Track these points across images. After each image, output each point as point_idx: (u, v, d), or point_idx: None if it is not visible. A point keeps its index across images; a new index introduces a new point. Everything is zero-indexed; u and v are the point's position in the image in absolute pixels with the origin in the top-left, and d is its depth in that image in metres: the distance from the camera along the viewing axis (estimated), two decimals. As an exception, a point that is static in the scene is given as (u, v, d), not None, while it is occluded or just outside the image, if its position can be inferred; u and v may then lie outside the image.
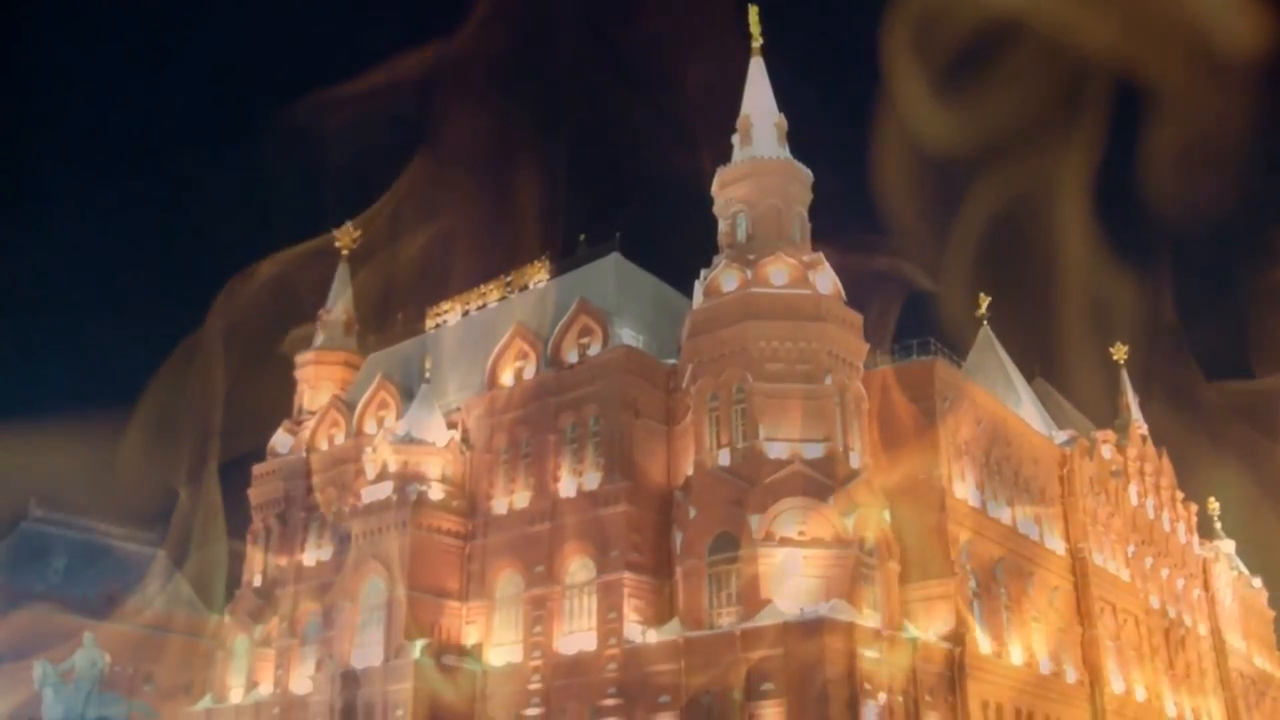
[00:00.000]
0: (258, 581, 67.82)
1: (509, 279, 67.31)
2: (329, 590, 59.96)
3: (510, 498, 57.53)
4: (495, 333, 62.44)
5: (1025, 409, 68.25)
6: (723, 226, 57.03)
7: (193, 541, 75.97)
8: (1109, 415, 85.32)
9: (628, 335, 56.83)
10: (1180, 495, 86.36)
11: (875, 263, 62.69)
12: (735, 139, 58.53)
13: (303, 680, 60.59)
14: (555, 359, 58.33)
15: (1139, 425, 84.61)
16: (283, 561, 66.69)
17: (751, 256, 54.33)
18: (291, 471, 68.10)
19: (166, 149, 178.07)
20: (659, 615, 51.39)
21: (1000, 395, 65.78)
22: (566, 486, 55.49)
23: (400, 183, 73.24)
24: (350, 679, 54.22)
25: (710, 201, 57.96)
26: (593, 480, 54.63)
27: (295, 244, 75.04)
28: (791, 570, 48.18)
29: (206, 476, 73.59)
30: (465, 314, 68.46)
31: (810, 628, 45.34)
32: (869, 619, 47.94)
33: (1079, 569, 64.66)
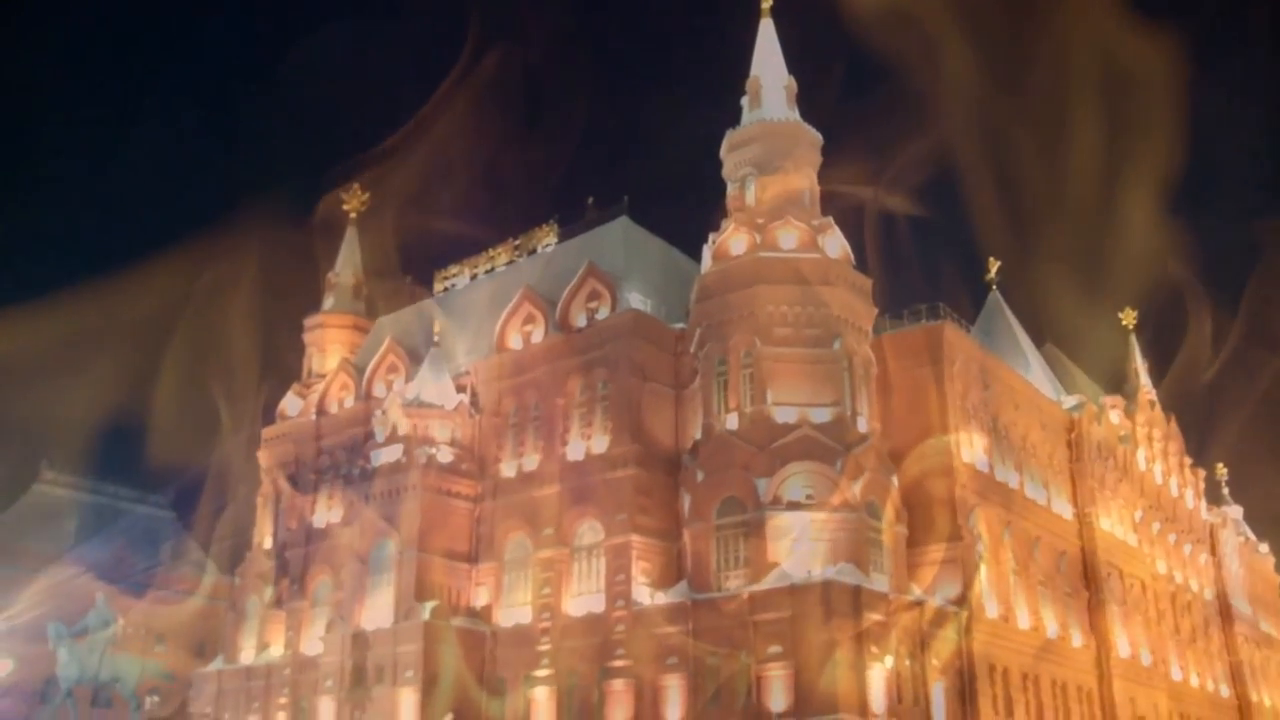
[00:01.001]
0: (268, 544, 68.22)
1: (517, 242, 67.21)
2: (339, 552, 60.27)
3: (519, 461, 57.68)
4: (504, 296, 62.38)
5: (1034, 374, 68.20)
6: (731, 190, 56.72)
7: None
8: (1118, 381, 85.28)
9: (636, 299, 56.75)
10: (1189, 461, 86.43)
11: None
12: (744, 101, 58.10)
13: (313, 641, 61.01)
14: (563, 323, 58.26)
15: (1148, 391, 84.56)
16: (293, 524, 67.02)
17: (760, 220, 54.10)
18: (301, 434, 68.31)
19: (182, 88, 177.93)
20: (667, 578, 51.59)
21: (1009, 360, 65.72)
22: (575, 450, 55.59)
23: (405, 138, 73.02)
24: (361, 640, 54.61)
25: (719, 165, 57.67)
26: (601, 444, 54.70)
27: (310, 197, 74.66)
28: (799, 534, 48.26)
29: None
30: (473, 277, 68.39)
31: (817, 591, 45.43)
32: (876, 582, 48.09)
33: (1086, 534, 64.88)
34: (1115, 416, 74.30)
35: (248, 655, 66.38)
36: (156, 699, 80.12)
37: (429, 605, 53.33)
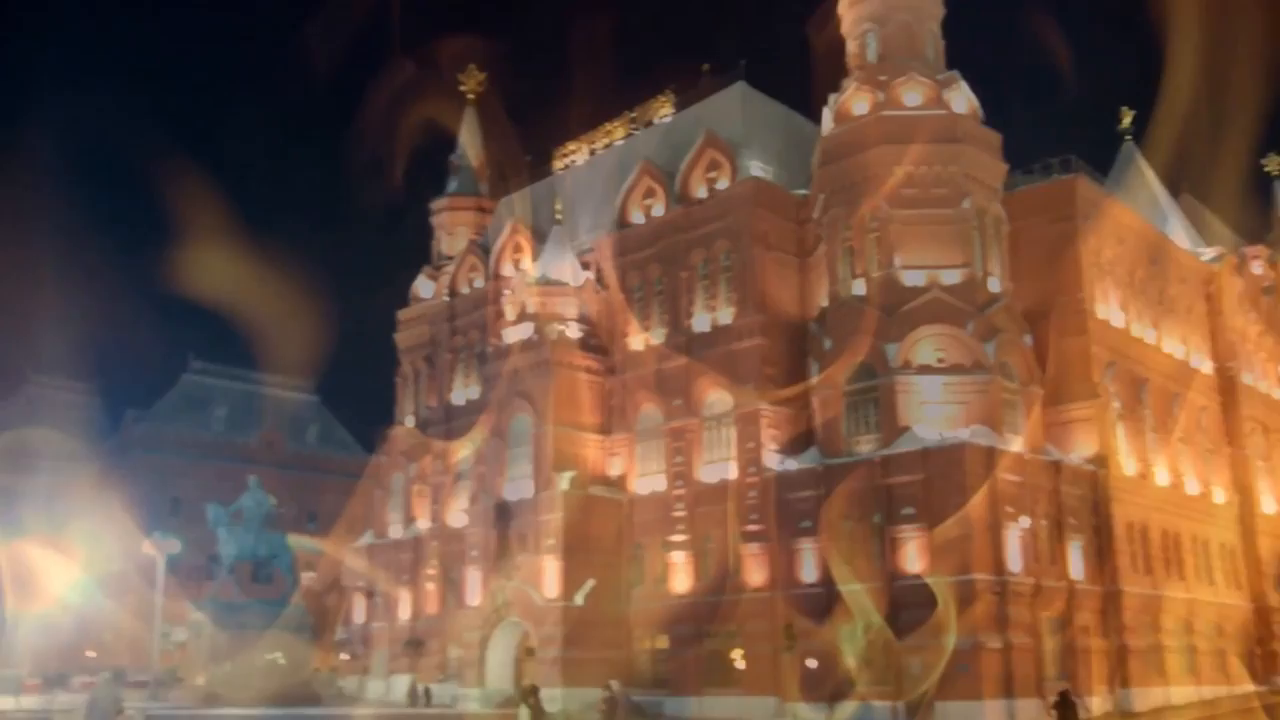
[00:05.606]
0: (410, 422, 70.73)
1: (634, 115, 66.60)
2: (478, 428, 62.17)
3: (646, 334, 58.26)
4: (623, 171, 62.25)
5: (1171, 226, 65.88)
6: (851, 47, 55.13)
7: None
8: (1261, 230, 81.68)
9: (756, 167, 56.12)
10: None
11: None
12: (863, -46, 55.97)
13: (457, 514, 63.61)
14: (684, 195, 58.06)
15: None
16: (433, 402, 69.38)
17: (883, 78, 52.60)
18: (435, 315, 70.18)
19: None
20: (796, 444, 52.00)
21: (1144, 213, 63.53)
22: (700, 321, 55.94)
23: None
24: (503, 511, 56.75)
25: (838, 21, 55.99)
26: (726, 315, 54.91)
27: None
28: (930, 397, 48.08)
29: None
30: (592, 153, 68.27)
31: (950, 453, 45.39)
32: (1010, 443, 47.75)
33: (1227, 389, 63.31)
34: (1258, 267, 71.51)
35: (396, 530, 69.53)
36: (312, 574, 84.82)
37: (567, 475, 54.94)
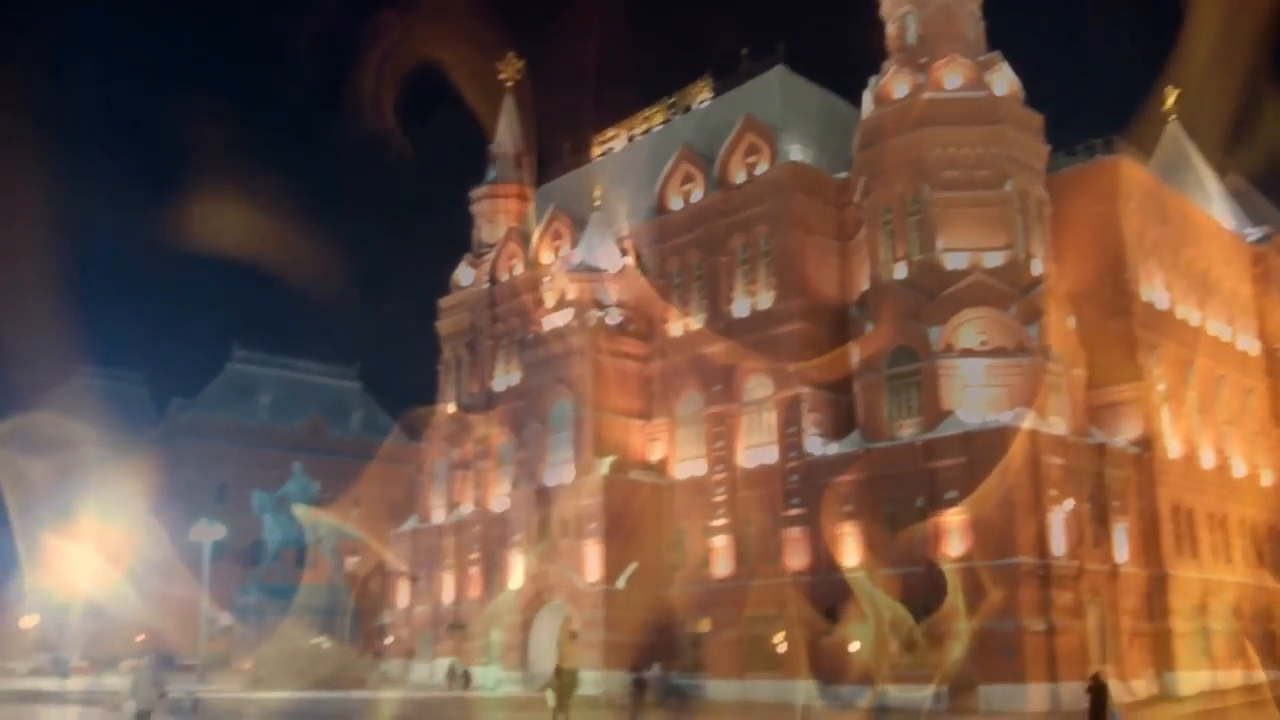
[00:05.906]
0: (452, 408, 71.27)
1: (672, 101, 66.63)
2: (520, 413, 62.56)
3: (686, 320, 58.32)
4: (662, 157, 62.27)
5: (1216, 207, 65.04)
6: (891, 29, 54.72)
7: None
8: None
9: (795, 151, 55.95)
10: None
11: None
12: (901, -66, 55.56)
13: (500, 499, 64.10)
14: (723, 180, 58.01)
15: (1344, 218, 79.51)
16: (474, 388, 69.90)
17: (923, 60, 52.25)
18: (476, 303, 70.65)
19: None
20: (838, 429, 51.96)
21: (1189, 193, 62.81)
22: (740, 306, 55.95)
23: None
24: (545, 495, 57.14)
25: (877, 3, 55.66)
26: (766, 300, 54.88)
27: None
28: (973, 380, 47.80)
29: None
30: (631, 139, 68.34)
31: (993, 436, 45.11)
32: (1054, 426, 47.46)
33: (1274, 370, 62.64)
34: (1306, 247, 70.30)
35: (439, 515, 70.15)
36: (356, 559, 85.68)
37: (607, 460, 55.22)
